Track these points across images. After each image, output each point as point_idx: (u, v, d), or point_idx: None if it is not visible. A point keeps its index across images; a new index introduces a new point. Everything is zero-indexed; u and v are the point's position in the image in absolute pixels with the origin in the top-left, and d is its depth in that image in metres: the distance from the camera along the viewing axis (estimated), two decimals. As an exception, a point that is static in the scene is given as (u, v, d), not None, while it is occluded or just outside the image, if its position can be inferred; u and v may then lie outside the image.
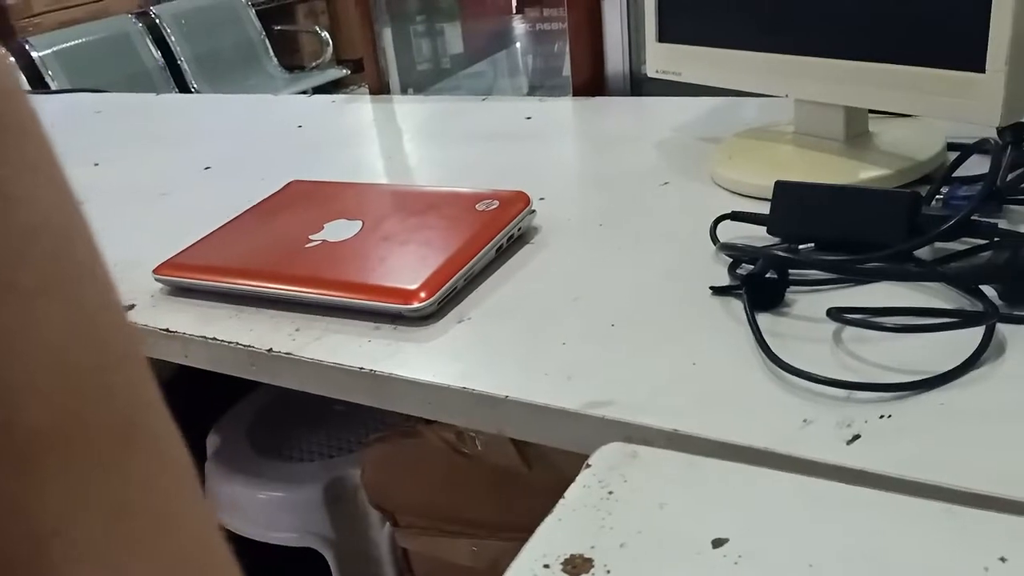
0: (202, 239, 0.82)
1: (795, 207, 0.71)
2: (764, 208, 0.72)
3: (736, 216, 0.75)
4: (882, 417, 0.50)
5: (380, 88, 1.44)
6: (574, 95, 1.25)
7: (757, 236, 0.72)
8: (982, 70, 0.67)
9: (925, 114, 0.77)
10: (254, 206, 0.89)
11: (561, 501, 0.45)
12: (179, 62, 4.29)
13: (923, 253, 0.66)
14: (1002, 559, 0.38)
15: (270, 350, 0.67)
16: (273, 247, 0.80)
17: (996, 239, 0.64)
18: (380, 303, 0.68)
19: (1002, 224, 0.67)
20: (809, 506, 0.42)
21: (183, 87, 4.26)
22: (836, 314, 0.58)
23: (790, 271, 0.64)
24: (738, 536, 0.41)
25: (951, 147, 0.82)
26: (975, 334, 0.55)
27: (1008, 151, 0.71)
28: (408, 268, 0.71)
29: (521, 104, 1.25)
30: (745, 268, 0.67)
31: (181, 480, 0.22)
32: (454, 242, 0.74)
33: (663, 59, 0.96)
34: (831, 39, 0.78)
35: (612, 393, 0.56)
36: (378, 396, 0.64)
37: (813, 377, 0.53)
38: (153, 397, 0.21)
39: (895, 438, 0.49)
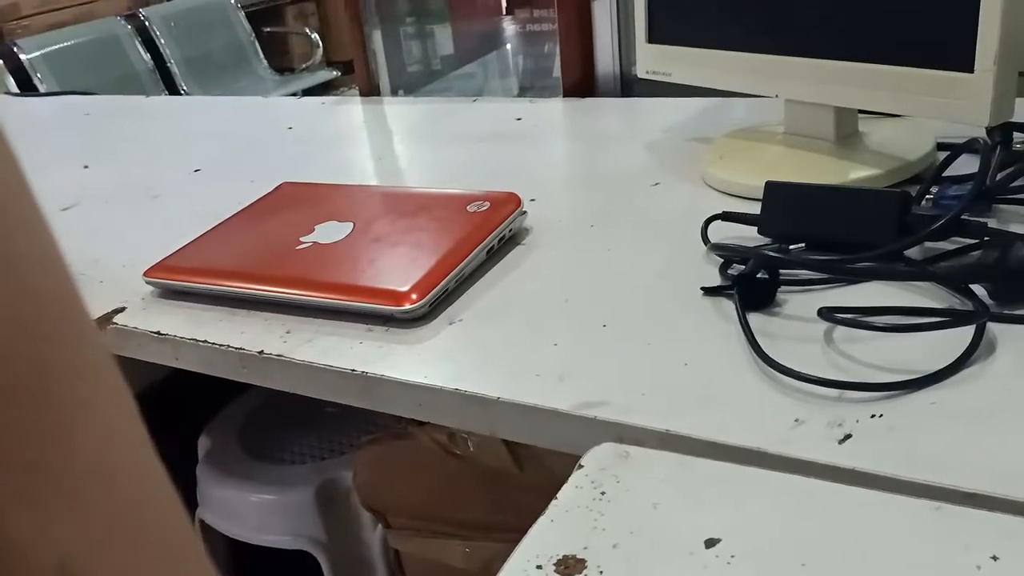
0: (193, 241, 0.82)
1: (785, 207, 0.71)
2: (755, 208, 0.73)
3: (727, 216, 0.75)
4: (873, 416, 0.50)
5: (370, 90, 1.44)
6: (564, 96, 1.25)
7: (748, 236, 0.72)
8: (971, 70, 0.67)
9: (914, 114, 0.77)
10: (244, 208, 0.89)
11: (553, 502, 0.45)
12: (168, 64, 4.28)
13: (913, 253, 0.66)
14: (994, 557, 0.38)
15: (261, 352, 0.67)
16: (264, 249, 0.80)
17: (986, 238, 0.64)
18: (371, 305, 0.68)
19: (992, 223, 0.67)
20: (801, 506, 0.42)
21: (172, 89, 4.25)
22: (827, 314, 0.58)
23: (781, 271, 0.64)
24: (730, 536, 0.41)
25: (941, 147, 0.82)
26: (965, 333, 0.55)
27: (997, 150, 0.71)
28: (399, 270, 0.71)
29: (511, 105, 1.25)
30: (736, 268, 0.67)
31: (118, 436, 0.22)
32: (445, 244, 0.73)
33: (653, 60, 0.96)
34: (821, 40, 0.79)
35: (604, 394, 0.56)
36: (370, 398, 0.64)
37: (804, 377, 0.53)
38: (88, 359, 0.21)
39: (886, 437, 0.49)
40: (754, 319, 0.61)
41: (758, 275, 0.63)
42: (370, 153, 1.15)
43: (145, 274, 0.78)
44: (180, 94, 4.18)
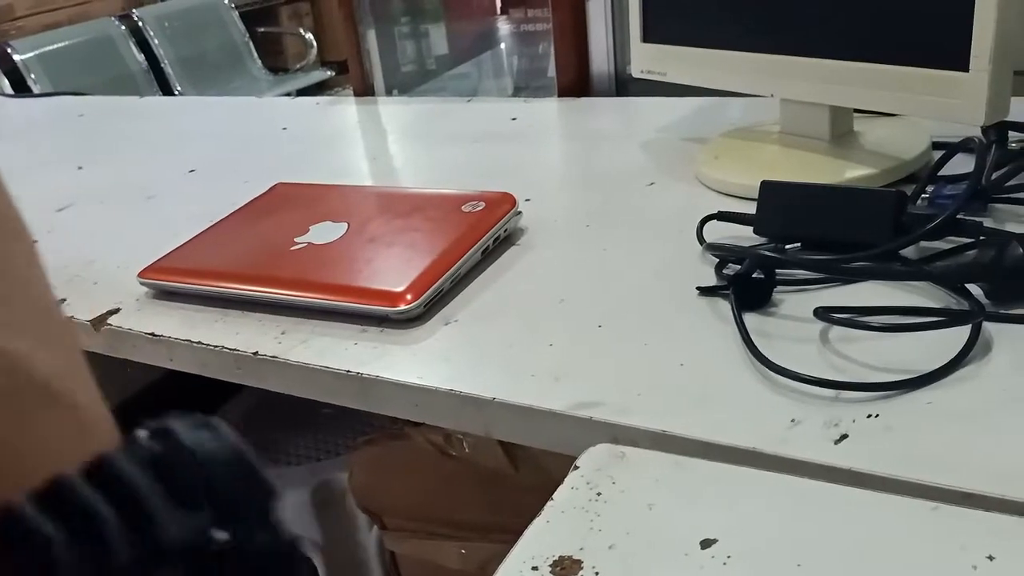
0: (187, 242, 0.82)
1: (781, 207, 0.71)
2: (750, 208, 0.73)
3: (722, 216, 0.75)
4: (869, 416, 0.50)
5: (365, 90, 1.43)
6: (559, 96, 1.25)
7: (743, 236, 0.72)
8: (966, 69, 0.67)
9: (910, 113, 0.77)
10: (239, 209, 0.89)
11: (549, 503, 0.44)
12: (162, 65, 4.28)
13: (909, 252, 0.66)
14: (990, 557, 0.38)
15: (256, 353, 0.67)
16: (258, 250, 0.80)
17: (982, 237, 0.64)
18: (366, 306, 0.68)
19: (987, 223, 0.67)
20: (797, 506, 0.42)
21: (167, 90, 4.24)
22: (823, 314, 0.58)
23: (777, 271, 0.64)
24: (727, 537, 0.41)
25: (936, 146, 0.82)
26: (962, 333, 0.55)
27: (993, 150, 0.71)
28: (394, 270, 0.71)
29: (506, 105, 1.25)
30: (732, 268, 0.67)
31: None
32: (440, 244, 0.73)
33: (648, 59, 0.96)
34: (816, 39, 0.79)
35: (599, 394, 0.56)
36: (365, 399, 0.63)
37: (800, 377, 0.53)
38: None
39: (883, 437, 0.49)
40: (750, 319, 0.61)
41: (754, 275, 0.63)
42: (365, 153, 1.15)
43: (139, 275, 0.77)
44: (174, 94, 4.18)
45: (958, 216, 0.64)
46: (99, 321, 0.74)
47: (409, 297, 0.67)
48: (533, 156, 1.04)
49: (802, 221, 0.70)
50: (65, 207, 1.03)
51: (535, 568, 0.40)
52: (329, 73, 4.70)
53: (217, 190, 1.03)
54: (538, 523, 0.43)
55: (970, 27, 0.66)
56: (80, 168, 1.20)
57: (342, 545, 1.04)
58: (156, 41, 4.28)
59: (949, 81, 0.69)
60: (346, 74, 1.49)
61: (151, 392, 1.03)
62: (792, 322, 0.61)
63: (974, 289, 0.59)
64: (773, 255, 0.65)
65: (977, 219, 0.67)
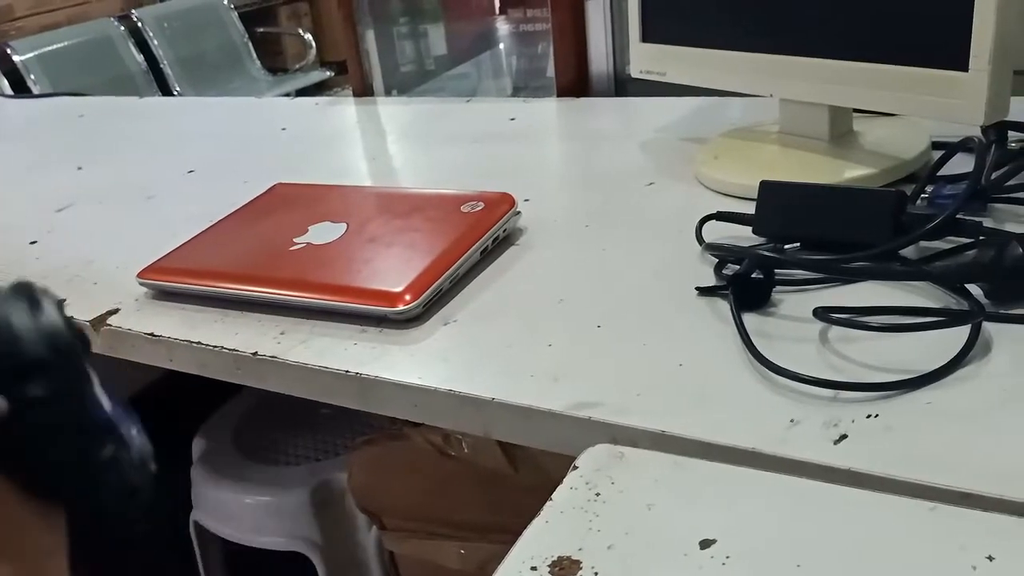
0: (186, 242, 0.82)
1: (780, 207, 0.71)
2: (749, 208, 0.72)
3: (721, 216, 0.75)
4: (869, 417, 0.50)
5: (364, 90, 1.43)
6: (558, 96, 1.25)
7: (743, 236, 0.72)
8: (965, 69, 0.67)
9: (909, 113, 0.77)
10: (238, 209, 0.89)
11: (548, 503, 0.44)
12: (162, 65, 4.28)
13: (909, 252, 0.66)
14: (989, 557, 0.38)
15: (255, 354, 0.67)
16: (258, 250, 0.80)
17: (981, 237, 0.64)
18: (365, 306, 0.68)
19: (987, 222, 0.67)
20: (796, 506, 0.42)
21: (166, 90, 4.24)
22: (822, 314, 0.58)
23: (776, 271, 0.64)
24: (726, 537, 0.41)
25: (935, 146, 0.82)
26: (961, 333, 0.55)
27: (992, 149, 0.71)
28: (393, 270, 0.71)
29: (505, 105, 1.25)
30: (731, 268, 0.67)
31: None
32: (439, 244, 0.73)
33: (647, 59, 0.96)
34: (816, 39, 0.79)
35: (598, 394, 0.56)
36: (364, 399, 0.63)
37: (800, 377, 0.53)
38: None
39: (882, 438, 0.49)
40: (749, 319, 0.61)
41: (753, 275, 0.63)
42: (364, 153, 1.15)
43: (139, 275, 0.77)
44: (173, 95, 4.18)
45: (958, 216, 0.64)
46: (99, 321, 0.74)
47: (408, 297, 0.67)
48: (532, 156, 1.04)
49: (801, 221, 0.70)
50: (65, 207, 1.03)
51: (534, 568, 0.40)
52: (328, 73, 4.70)
53: (216, 190, 1.03)
54: (537, 523, 0.43)
55: (969, 27, 0.66)
56: (80, 168, 1.20)
57: (341, 545, 1.04)
58: (155, 42, 4.28)
59: (949, 81, 0.69)
60: (345, 74, 1.49)
61: (151, 392, 1.03)
62: (791, 322, 0.61)
63: (974, 289, 0.59)
64: (772, 255, 0.64)
65: (977, 219, 0.67)
